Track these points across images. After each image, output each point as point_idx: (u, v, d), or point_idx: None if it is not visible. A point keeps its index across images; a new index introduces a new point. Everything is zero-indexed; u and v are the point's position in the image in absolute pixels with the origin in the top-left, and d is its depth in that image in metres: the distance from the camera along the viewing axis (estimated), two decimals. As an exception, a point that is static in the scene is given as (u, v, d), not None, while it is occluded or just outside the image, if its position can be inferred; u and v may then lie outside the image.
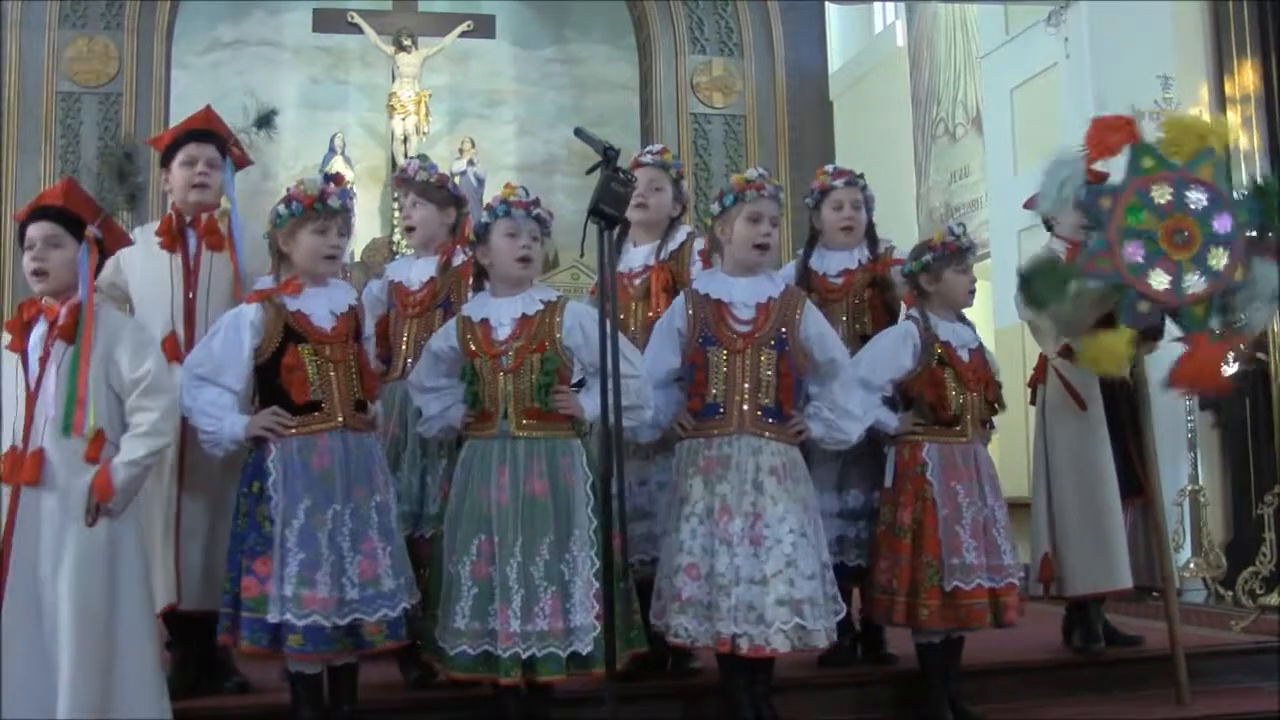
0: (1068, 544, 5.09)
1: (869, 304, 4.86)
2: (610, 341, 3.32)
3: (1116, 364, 4.70)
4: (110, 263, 4.15)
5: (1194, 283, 4.68)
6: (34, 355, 3.69)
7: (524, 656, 3.76)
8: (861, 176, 5.00)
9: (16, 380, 3.69)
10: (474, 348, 4.01)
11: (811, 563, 4.09)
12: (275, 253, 4.02)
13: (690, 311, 4.27)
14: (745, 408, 4.17)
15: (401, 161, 4.83)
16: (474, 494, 3.92)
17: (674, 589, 4.07)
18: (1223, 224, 4.74)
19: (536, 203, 4.09)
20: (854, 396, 4.35)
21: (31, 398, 3.65)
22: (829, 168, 5.07)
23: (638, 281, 4.67)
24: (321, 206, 3.96)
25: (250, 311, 3.94)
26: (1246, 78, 7.90)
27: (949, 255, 4.58)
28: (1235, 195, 4.84)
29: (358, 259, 12.03)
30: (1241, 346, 5.58)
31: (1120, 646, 5.27)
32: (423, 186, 4.60)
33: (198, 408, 3.90)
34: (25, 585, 3.56)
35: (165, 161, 4.54)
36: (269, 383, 3.92)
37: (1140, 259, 4.67)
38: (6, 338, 3.77)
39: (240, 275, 4.36)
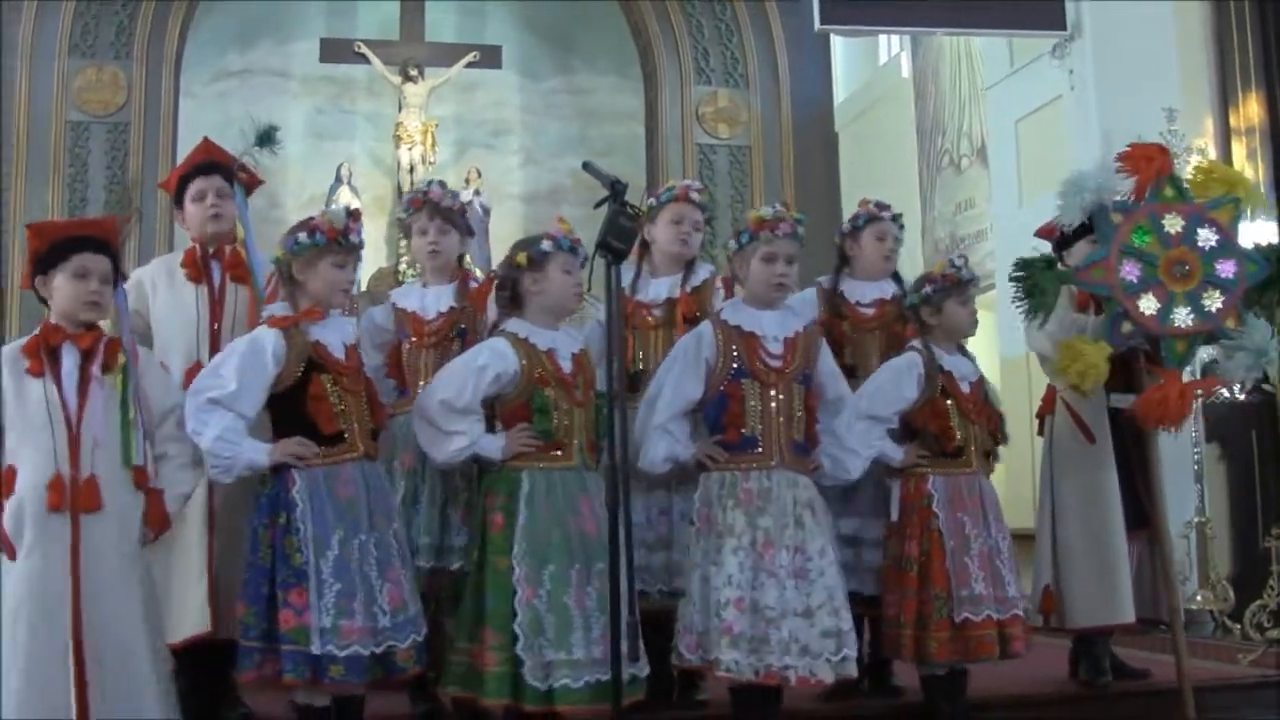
0: (1072, 576, 5.07)
1: (903, 337, 4.88)
2: (617, 375, 3.33)
3: (1088, 375, 4.72)
4: (132, 290, 4.20)
5: (1182, 317, 4.72)
6: (70, 383, 3.70)
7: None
8: (900, 216, 5.04)
9: (46, 406, 3.67)
10: (543, 375, 4.01)
11: (844, 594, 4.15)
12: (287, 279, 4.00)
13: (720, 342, 4.25)
14: (782, 440, 4.18)
15: (420, 185, 4.73)
16: (562, 524, 3.89)
17: (722, 622, 4.01)
18: (1226, 269, 4.77)
19: (580, 243, 4.14)
20: (856, 433, 4.39)
21: (74, 426, 3.66)
22: (873, 200, 5.08)
23: (658, 312, 4.68)
24: (344, 241, 3.98)
25: (271, 339, 3.88)
26: (1251, 110, 7.94)
27: (950, 287, 4.59)
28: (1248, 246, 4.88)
29: (364, 289, 12.04)
30: (1211, 390, 5.60)
31: (1127, 680, 5.26)
32: (448, 212, 4.59)
33: (211, 434, 3.81)
34: (104, 610, 3.61)
35: (179, 201, 4.57)
36: (289, 412, 3.89)
37: (1134, 279, 4.72)
38: (19, 361, 3.73)
39: (260, 301, 4.39)
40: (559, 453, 3.98)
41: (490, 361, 4.01)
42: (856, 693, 4.82)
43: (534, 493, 3.93)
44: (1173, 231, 4.77)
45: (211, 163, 4.57)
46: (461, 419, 4.00)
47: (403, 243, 12.46)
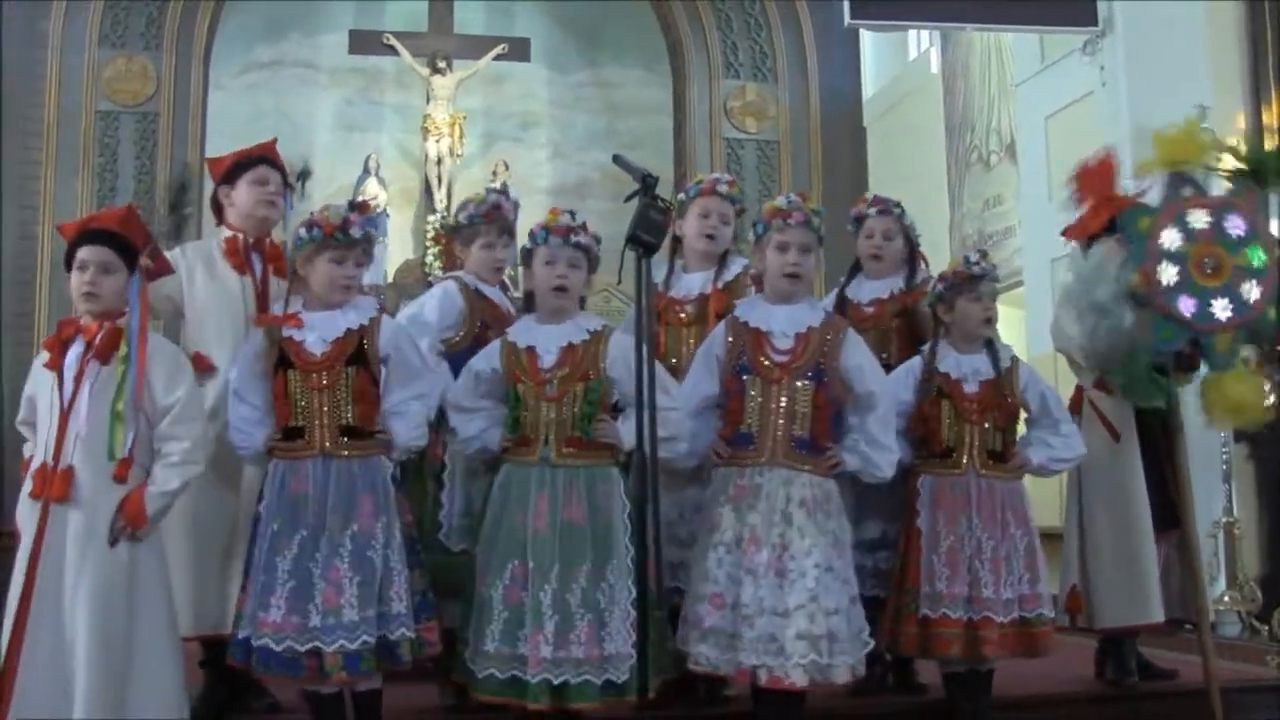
0: (1100, 576, 5.06)
1: (895, 333, 4.87)
2: (647, 369, 3.31)
3: (1254, 412, 4.71)
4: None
5: (1220, 308, 4.65)
6: (69, 374, 3.74)
7: (555, 682, 3.76)
8: (898, 205, 5.01)
9: (51, 398, 3.74)
10: (518, 373, 4.03)
11: (836, 598, 4.07)
12: (293, 274, 4.11)
13: (730, 339, 4.26)
14: (779, 436, 4.16)
15: (488, 197, 4.73)
16: (510, 519, 3.94)
17: (697, 616, 4.06)
18: (1235, 225, 4.70)
19: (579, 229, 4.10)
20: (890, 430, 4.34)
21: (65, 416, 3.70)
22: (869, 196, 5.11)
23: (690, 308, 4.68)
24: (342, 236, 4.01)
25: (256, 339, 4.06)
26: (1284, 107, 7.87)
27: (960, 284, 4.57)
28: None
29: (390, 280, 12.06)
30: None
31: (1154, 680, 5.23)
32: (513, 228, 4.67)
33: (233, 424, 4.05)
34: (49, 599, 3.61)
35: (229, 179, 4.57)
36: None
37: (1196, 307, 4.63)
38: (44, 355, 3.82)
39: None
40: (526, 448, 4.01)
41: (476, 362, 4.15)
42: (882, 689, 4.82)
43: (502, 486, 4.02)
44: (1198, 227, 4.71)
45: (275, 160, 4.64)
46: (461, 415, 4.15)
47: (432, 227, 12.43)
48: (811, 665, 4.00)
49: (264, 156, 4.62)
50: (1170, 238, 4.68)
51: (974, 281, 4.57)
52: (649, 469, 3.27)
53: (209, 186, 4.74)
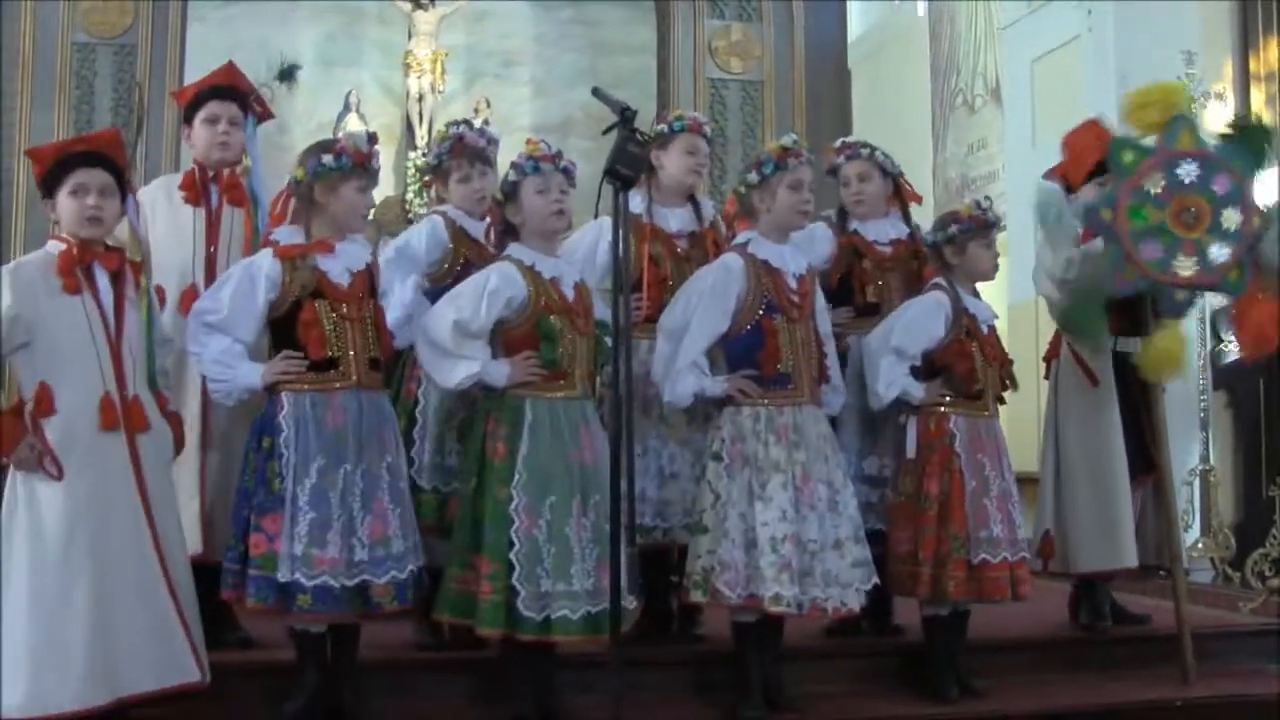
0: (1074, 520, 5.08)
1: (917, 277, 4.85)
2: (624, 305, 3.28)
3: (1177, 366, 4.78)
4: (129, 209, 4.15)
5: (1184, 264, 4.67)
6: (106, 300, 3.69)
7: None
8: (865, 145, 4.95)
9: (87, 324, 3.65)
10: (549, 303, 3.96)
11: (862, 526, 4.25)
12: (307, 202, 3.94)
13: (750, 275, 4.22)
14: (807, 377, 4.21)
15: (451, 129, 4.64)
16: (564, 455, 3.87)
17: (779, 558, 4.00)
18: (1222, 184, 4.71)
19: (560, 155, 4.08)
20: (837, 369, 4.43)
21: (116, 346, 3.67)
22: (835, 144, 5.04)
23: (683, 243, 4.65)
24: (369, 165, 3.95)
25: (267, 264, 3.87)
26: (1272, 54, 7.84)
27: (975, 229, 4.57)
28: (1218, 149, 4.81)
29: (371, 217, 11.95)
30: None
31: (1127, 625, 5.26)
32: (484, 153, 4.58)
33: (209, 356, 3.87)
34: (168, 532, 3.70)
35: (188, 117, 4.55)
36: (284, 338, 3.88)
37: (1160, 255, 4.65)
38: (52, 282, 3.67)
39: (258, 231, 4.38)
40: (562, 382, 3.95)
41: (501, 285, 3.94)
42: (857, 631, 4.83)
43: (537, 423, 3.89)
44: (1157, 190, 4.70)
45: (230, 88, 4.56)
46: (473, 343, 3.94)
47: (412, 164, 12.33)
48: (867, 590, 4.18)
49: (215, 89, 4.53)
50: (1154, 181, 4.67)
51: (988, 227, 4.59)
52: (624, 407, 3.25)
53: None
